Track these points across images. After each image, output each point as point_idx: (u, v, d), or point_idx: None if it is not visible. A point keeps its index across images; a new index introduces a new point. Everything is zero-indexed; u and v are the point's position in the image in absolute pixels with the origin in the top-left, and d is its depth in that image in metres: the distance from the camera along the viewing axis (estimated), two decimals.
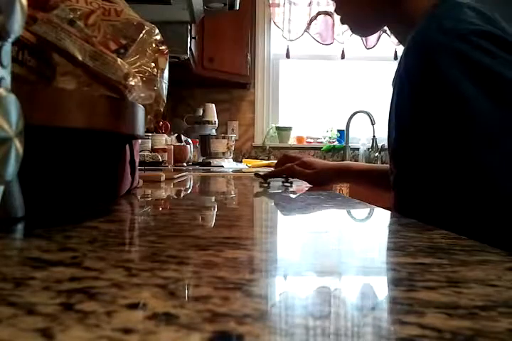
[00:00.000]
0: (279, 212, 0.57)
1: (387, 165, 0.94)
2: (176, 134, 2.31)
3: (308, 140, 3.25)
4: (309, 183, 1.03)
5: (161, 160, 1.83)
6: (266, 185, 0.96)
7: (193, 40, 2.27)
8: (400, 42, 0.87)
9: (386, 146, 3.20)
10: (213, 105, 2.79)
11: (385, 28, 0.89)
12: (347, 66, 3.27)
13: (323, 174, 1.02)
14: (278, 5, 3.13)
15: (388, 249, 0.35)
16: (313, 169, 1.02)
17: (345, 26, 0.94)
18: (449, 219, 0.67)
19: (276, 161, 1.15)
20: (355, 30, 0.92)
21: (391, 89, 0.81)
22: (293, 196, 0.80)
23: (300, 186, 0.97)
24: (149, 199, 0.68)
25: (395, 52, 3.14)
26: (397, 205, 0.80)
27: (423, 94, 0.70)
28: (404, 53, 0.75)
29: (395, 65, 0.80)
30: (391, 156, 0.81)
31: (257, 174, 1.03)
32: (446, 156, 0.69)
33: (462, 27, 0.69)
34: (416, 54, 0.72)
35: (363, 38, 3.09)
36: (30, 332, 0.15)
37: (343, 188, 2.30)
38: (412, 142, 0.74)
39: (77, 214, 0.46)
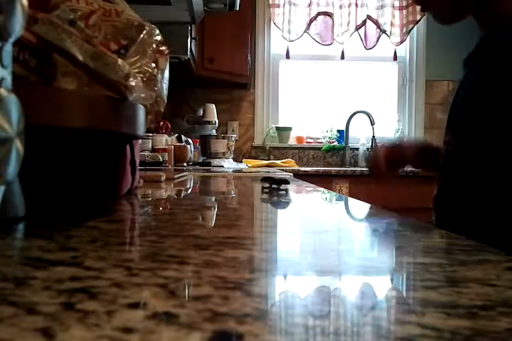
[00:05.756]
0: (278, 212, 0.57)
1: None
2: (177, 134, 2.31)
3: (308, 140, 3.25)
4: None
5: (161, 160, 1.83)
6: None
7: (193, 41, 2.27)
8: (482, 26, 0.85)
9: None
10: (213, 105, 2.79)
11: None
12: (347, 66, 3.27)
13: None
14: (278, 5, 3.13)
15: (388, 248, 0.35)
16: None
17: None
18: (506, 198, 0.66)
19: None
20: (440, 17, 0.89)
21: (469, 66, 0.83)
22: (293, 196, 0.80)
23: (301, 187, 0.97)
24: (150, 199, 0.68)
25: (395, 52, 3.14)
26: (448, 178, 0.79)
27: None
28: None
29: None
30: (451, 129, 0.82)
31: None
32: None
33: None
34: None
35: (363, 39, 3.09)
36: (31, 332, 0.15)
37: (343, 188, 2.30)
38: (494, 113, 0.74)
39: (78, 214, 0.46)
